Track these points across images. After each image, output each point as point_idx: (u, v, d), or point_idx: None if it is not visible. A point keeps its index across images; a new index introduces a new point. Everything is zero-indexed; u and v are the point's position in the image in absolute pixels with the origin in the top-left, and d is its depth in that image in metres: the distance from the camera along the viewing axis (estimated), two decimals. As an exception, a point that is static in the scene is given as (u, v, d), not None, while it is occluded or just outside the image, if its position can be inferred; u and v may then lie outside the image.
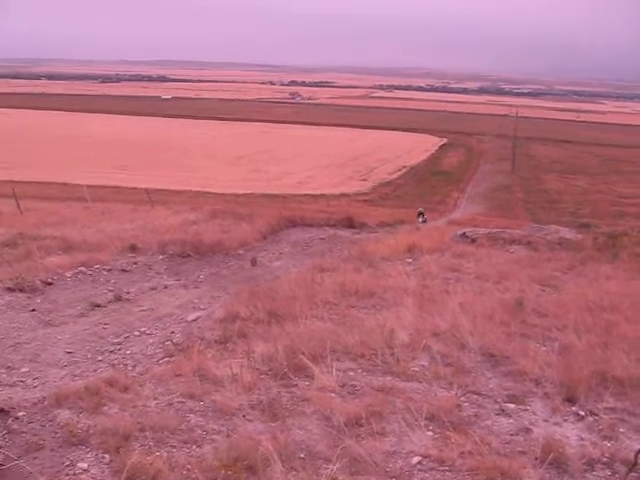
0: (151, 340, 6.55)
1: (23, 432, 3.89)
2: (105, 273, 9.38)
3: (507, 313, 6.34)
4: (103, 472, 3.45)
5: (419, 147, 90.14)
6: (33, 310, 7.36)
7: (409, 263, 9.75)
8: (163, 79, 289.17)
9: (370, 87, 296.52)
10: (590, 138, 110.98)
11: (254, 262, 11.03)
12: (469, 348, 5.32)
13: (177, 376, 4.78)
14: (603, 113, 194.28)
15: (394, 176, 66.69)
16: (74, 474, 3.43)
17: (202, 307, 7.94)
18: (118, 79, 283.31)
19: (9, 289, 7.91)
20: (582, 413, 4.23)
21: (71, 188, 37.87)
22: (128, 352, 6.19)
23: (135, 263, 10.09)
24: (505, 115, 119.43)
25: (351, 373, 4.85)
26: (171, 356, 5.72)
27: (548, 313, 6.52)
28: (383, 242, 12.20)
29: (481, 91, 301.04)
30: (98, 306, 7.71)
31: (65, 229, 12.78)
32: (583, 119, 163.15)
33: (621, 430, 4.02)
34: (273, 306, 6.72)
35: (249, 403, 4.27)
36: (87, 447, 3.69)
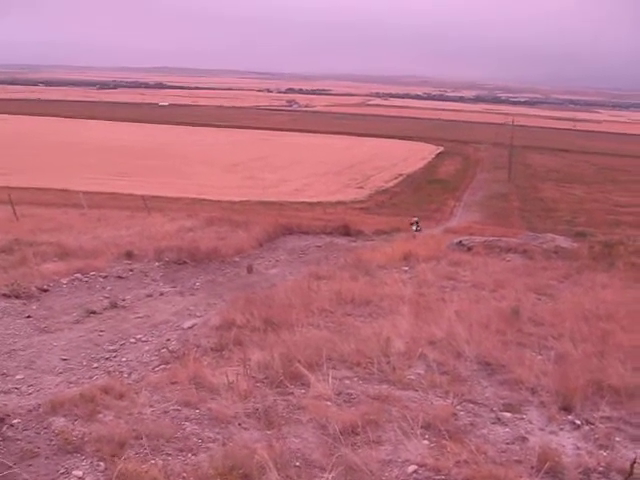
0: (147, 347, 6.54)
1: (18, 439, 3.87)
2: (101, 280, 9.36)
3: (503, 322, 6.35)
4: (98, 480, 3.43)
5: (415, 155, 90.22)
6: (28, 317, 7.34)
7: (405, 271, 9.78)
8: (160, 86, 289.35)
9: (367, 95, 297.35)
10: (586, 147, 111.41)
11: (250, 269, 11.03)
12: (465, 356, 5.33)
13: (173, 384, 4.77)
14: (599, 122, 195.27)
15: (390, 184, 66.74)
16: (69, 482, 3.41)
17: (198, 314, 7.93)
18: (115, 86, 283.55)
19: (5, 295, 7.90)
20: (578, 422, 4.23)
21: (68, 194, 37.76)
22: (124, 359, 6.18)
23: (131, 270, 10.08)
24: (502, 124, 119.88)
25: (347, 381, 4.85)
26: (167, 363, 5.72)
27: (544, 322, 6.54)
28: (379, 250, 12.24)
29: (478, 99, 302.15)
30: (94, 313, 7.70)
31: (61, 235, 12.75)
32: (579, 128, 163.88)
33: (617, 439, 4.02)
34: (269, 314, 6.72)
35: (245, 411, 4.26)
36: (82, 455, 3.67)
